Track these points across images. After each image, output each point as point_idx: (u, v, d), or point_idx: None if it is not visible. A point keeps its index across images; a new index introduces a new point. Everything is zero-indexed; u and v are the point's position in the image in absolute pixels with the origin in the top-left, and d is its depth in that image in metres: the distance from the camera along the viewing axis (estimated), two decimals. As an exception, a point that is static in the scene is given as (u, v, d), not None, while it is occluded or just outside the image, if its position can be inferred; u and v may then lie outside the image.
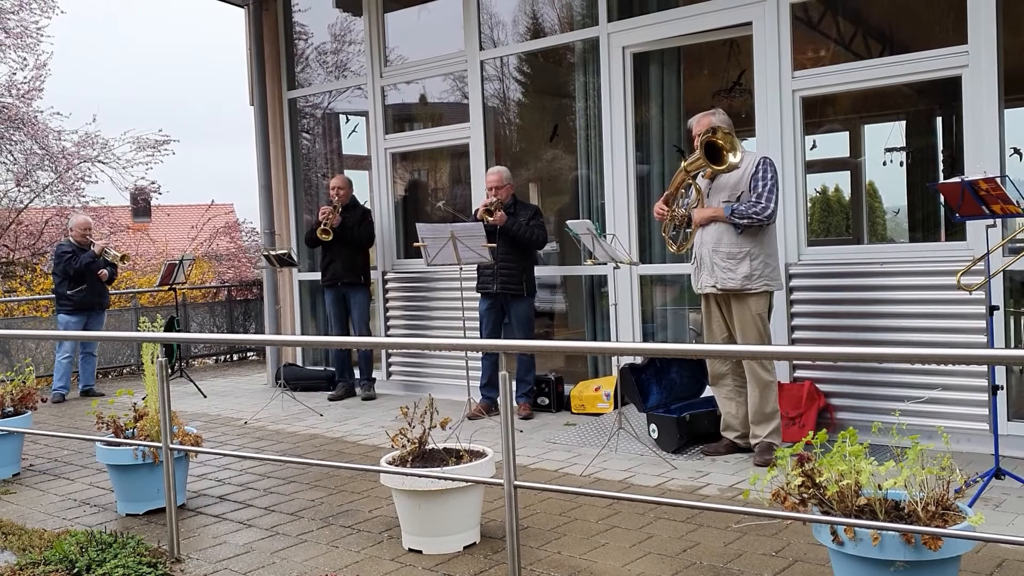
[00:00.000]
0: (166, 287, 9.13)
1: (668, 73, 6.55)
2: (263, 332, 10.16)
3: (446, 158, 8.42)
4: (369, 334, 7.68)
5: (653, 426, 5.41)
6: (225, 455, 5.63)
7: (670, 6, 6.29)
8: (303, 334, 8.73)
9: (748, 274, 4.91)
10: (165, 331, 9.03)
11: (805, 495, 2.95)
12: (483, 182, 6.84)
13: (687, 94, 6.81)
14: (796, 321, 5.70)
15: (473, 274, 6.59)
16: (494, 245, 6.08)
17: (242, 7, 8.73)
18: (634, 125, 6.52)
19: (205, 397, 8.18)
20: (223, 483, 5.10)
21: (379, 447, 5.70)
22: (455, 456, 3.92)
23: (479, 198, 6.61)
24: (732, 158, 4.76)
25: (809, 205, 14.63)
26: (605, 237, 5.71)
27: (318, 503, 4.61)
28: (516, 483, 3.08)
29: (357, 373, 7.78)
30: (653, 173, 6.67)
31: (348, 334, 7.64)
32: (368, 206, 7.89)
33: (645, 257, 6.58)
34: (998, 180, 4.01)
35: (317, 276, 7.89)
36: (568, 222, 5.63)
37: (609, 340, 6.50)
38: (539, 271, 7.14)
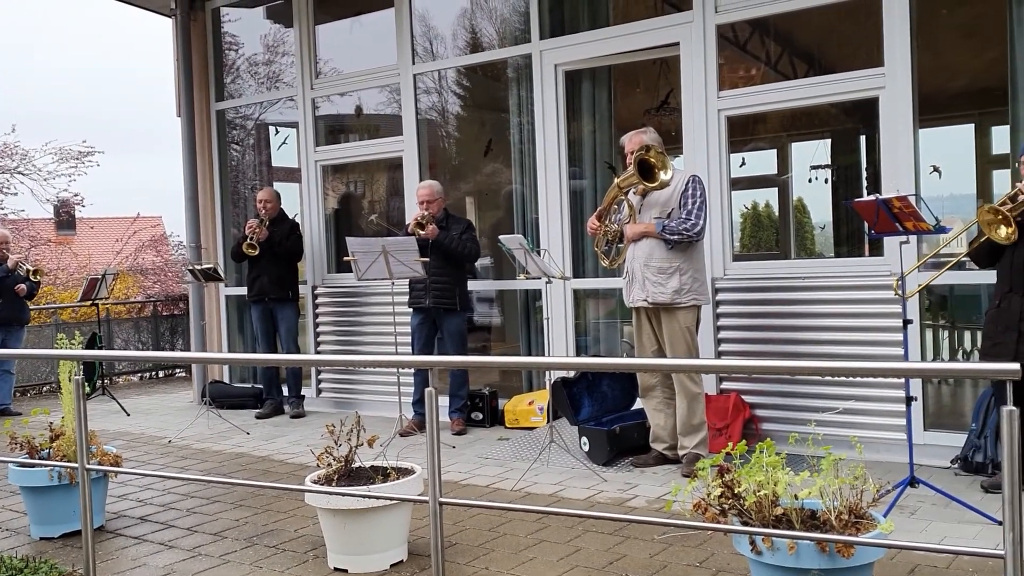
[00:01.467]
0: (88, 302, 8.87)
1: (600, 91, 6.64)
2: (190, 348, 9.93)
3: (382, 171, 8.38)
4: (297, 350, 7.57)
5: (584, 439, 5.44)
6: (146, 475, 5.48)
7: (600, 25, 6.38)
8: (230, 350, 8.56)
9: (678, 288, 5.00)
10: (87, 348, 8.78)
11: (725, 505, 2.99)
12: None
13: (619, 111, 6.91)
14: (722, 334, 5.80)
15: (405, 289, 6.56)
16: (427, 259, 6.06)
17: (169, 17, 8.57)
18: (567, 141, 6.58)
19: (128, 415, 7.96)
20: (144, 503, 4.96)
21: (306, 465, 5.62)
22: (382, 474, 3.88)
23: (414, 212, 6.59)
24: (664, 176, 4.88)
25: (741, 221, 14.94)
26: (538, 252, 5.75)
27: (242, 523, 4.52)
28: (442, 500, 3.06)
29: (286, 390, 7.64)
30: (586, 188, 6.74)
31: (276, 350, 7.52)
32: (298, 219, 7.80)
33: (578, 271, 6.63)
34: (910, 198, 4.15)
35: (244, 291, 7.76)
36: (501, 237, 5.65)
37: (543, 354, 6.53)
38: (475, 285, 7.14)
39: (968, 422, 4.94)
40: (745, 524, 2.93)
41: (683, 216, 5.00)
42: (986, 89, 7.90)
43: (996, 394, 4.68)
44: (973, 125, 9.30)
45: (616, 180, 5.13)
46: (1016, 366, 2.16)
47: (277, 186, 8.07)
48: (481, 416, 6.66)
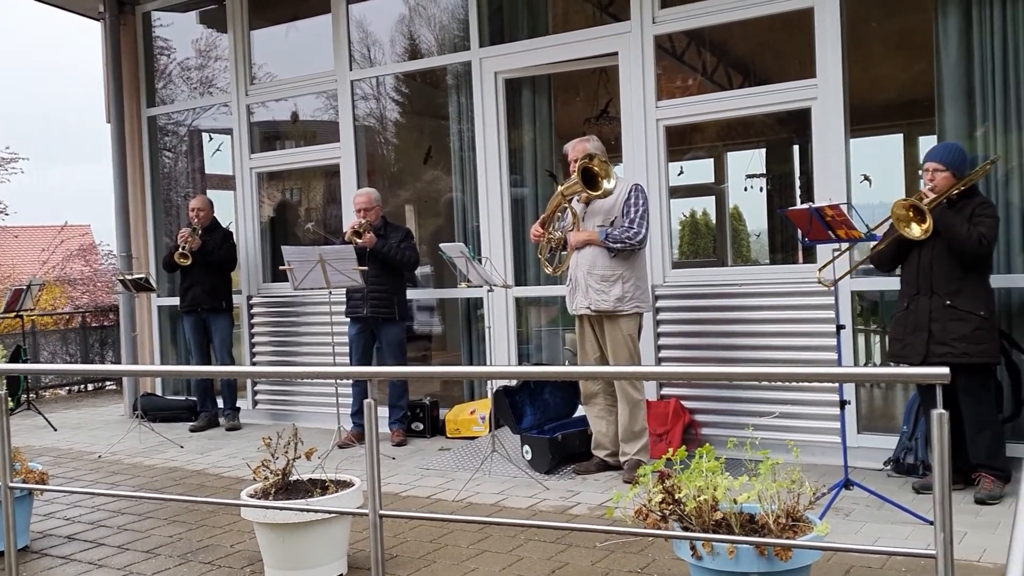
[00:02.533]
0: (12, 314, 8.56)
1: (540, 99, 6.65)
2: (120, 360, 9.65)
3: (319, 178, 8.27)
4: (232, 361, 7.41)
5: (527, 447, 5.43)
6: (74, 492, 5.29)
7: (539, 34, 6.40)
8: (163, 362, 8.34)
9: (620, 296, 5.03)
10: (10, 361, 8.46)
11: (666, 511, 3.00)
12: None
13: (559, 120, 6.94)
14: (662, 340, 5.85)
15: (343, 298, 6.47)
16: (365, 268, 5.99)
17: (98, 20, 8.34)
18: (508, 149, 6.57)
19: (56, 430, 7.69)
20: (72, 522, 4.79)
21: (243, 479, 5.49)
22: (320, 487, 3.81)
23: (352, 220, 6.50)
24: (607, 184, 4.92)
25: (679, 228, 15.12)
26: (480, 260, 5.72)
27: (176, 539, 4.39)
28: (382, 512, 3.01)
29: (220, 402, 7.47)
30: (527, 196, 6.74)
31: (209, 362, 7.34)
32: (231, 228, 7.64)
33: (520, 279, 6.62)
34: (842, 207, 4.24)
35: (177, 301, 7.57)
36: (441, 245, 5.61)
37: (485, 362, 6.50)
38: (415, 294, 7.08)
39: (900, 424, 5.06)
40: (686, 529, 2.94)
41: (626, 224, 5.04)
42: (914, 100, 8.13)
43: (924, 398, 4.80)
44: (902, 135, 9.58)
45: (559, 188, 5.14)
46: (945, 370, 2.20)
47: (211, 194, 7.89)
48: (422, 426, 6.60)
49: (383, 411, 6.39)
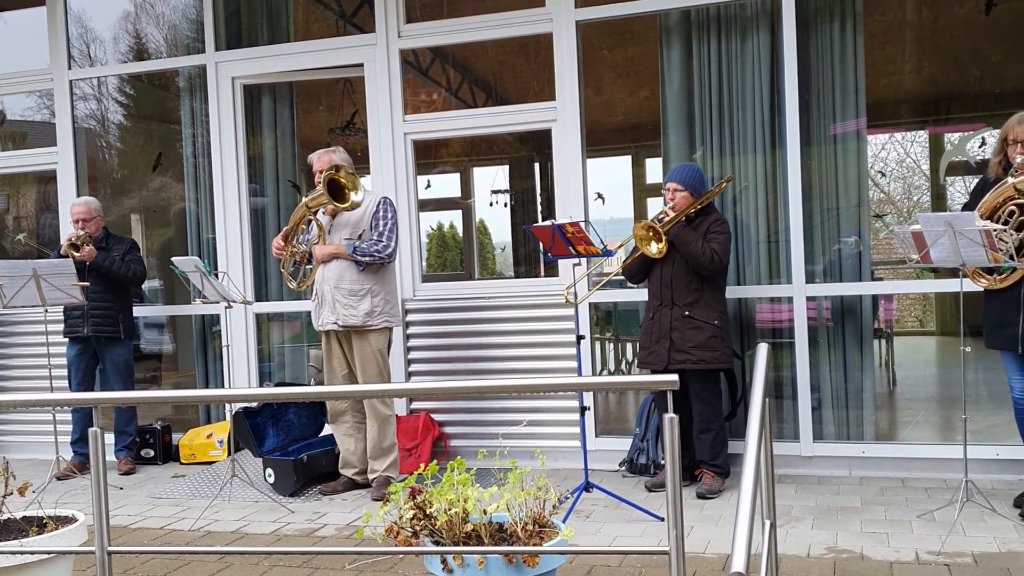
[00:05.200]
0: None
1: (281, 107, 6.42)
2: None
3: (30, 184, 7.45)
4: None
5: (269, 470, 5.18)
6: None
7: (280, 41, 6.18)
8: None
9: (369, 311, 4.94)
10: None
11: (417, 527, 2.97)
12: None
13: (302, 129, 6.74)
14: (412, 355, 5.83)
15: (61, 317, 5.86)
16: (86, 284, 5.46)
17: None
18: (247, 157, 6.28)
19: None
20: None
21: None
22: (37, 524, 3.39)
23: (69, 231, 5.90)
24: (355, 196, 4.80)
25: (427, 242, 15.19)
26: (216, 275, 5.40)
27: None
28: (110, 549, 2.73)
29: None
30: (268, 207, 6.47)
31: None
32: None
33: (262, 294, 6.34)
34: (581, 224, 4.46)
35: None
36: (174, 259, 5.23)
37: (222, 383, 6.14)
38: (142, 311, 6.57)
39: (633, 427, 5.39)
40: (437, 544, 2.92)
41: (375, 238, 4.96)
42: (642, 124, 8.77)
43: (657, 402, 5.16)
44: (631, 156, 10.31)
45: (304, 199, 4.97)
46: (675, 377, 2.35)
47: None
48: (153, 453, 6.12)
49: (108, 438, 5.84)
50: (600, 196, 9.76)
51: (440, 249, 15.69)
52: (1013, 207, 3.93)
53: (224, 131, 6.20)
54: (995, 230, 3.83)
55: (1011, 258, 3.90)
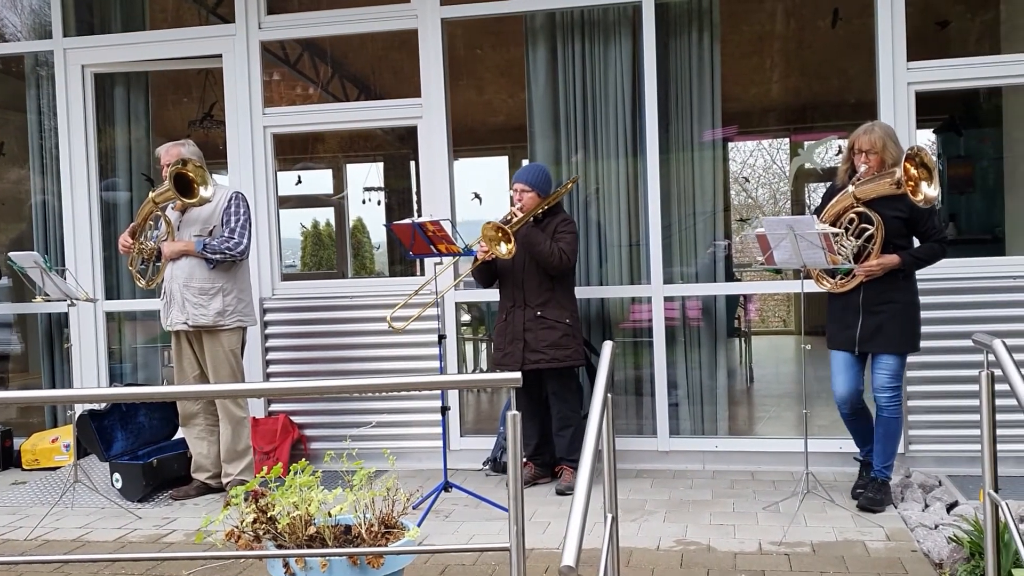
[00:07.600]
0: None
1: (136, 97, 6.15)
2: None
3: None
4: None
5: (117, 475, 4.95)
6: None
7: (135, 28, 5.91)
8: None
9: (221, 310, 4.77)
10: None
11: (259, 531, 2.89)
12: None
13: (158, 121, 6.47)
14: (271, 355, 5.68)
15: None
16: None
17: None
18: (98, 149, 5.98)
19: None
20: None
21: None
22: None
23: None
24: (204, 191, 4.63)
25: (302, 239, 14.86)
26: (59, 271, 5.11)
27: None
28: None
29: None
30: (122, 201, 6.18)
31: None
32: None
33: (113, 292, 6.05)
34: (443, 223, 4.44)
35: None
36: (11, 254, 4.92)
37: (71, 384, 5.83)
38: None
39: (499, 426, 5.41)
40: (280, 547, 2.85)
41: (225, 234, 4.79)
42: (516, 126, 8.84)
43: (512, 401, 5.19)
44: (507, 157, 10.39)
45: (151, 194, 4.76)
46: (518, 375, 2.37)
47: None
48: (-8, 460, 5.75)
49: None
50: (477, 196, 9.79)
51: (316, 247, 15.37)
52: (852, 215, 4.15)
53: (72, 121, 5.88)
54: (834, 234, 4.04)
55: (848, 262, 4.12)
